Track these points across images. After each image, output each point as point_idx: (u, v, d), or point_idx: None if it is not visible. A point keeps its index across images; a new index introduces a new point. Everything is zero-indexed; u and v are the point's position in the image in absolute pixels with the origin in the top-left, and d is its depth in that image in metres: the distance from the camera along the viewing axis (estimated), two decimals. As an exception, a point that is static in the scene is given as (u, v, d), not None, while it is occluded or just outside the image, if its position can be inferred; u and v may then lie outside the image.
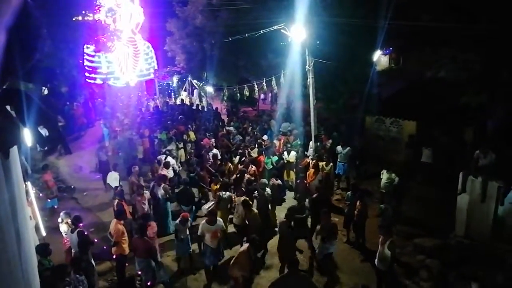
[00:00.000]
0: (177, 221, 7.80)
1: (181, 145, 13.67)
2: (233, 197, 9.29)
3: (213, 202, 9.44)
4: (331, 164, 11.32)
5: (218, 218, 7.57)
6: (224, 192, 9.08)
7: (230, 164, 11.62)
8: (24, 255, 2.44)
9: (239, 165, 11.27)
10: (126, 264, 7.76)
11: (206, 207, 9.52)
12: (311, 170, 10.85)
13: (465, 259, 7.98)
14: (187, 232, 7.90)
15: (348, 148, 12.08)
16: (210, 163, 11.73)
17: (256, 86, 17.26)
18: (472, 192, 8.60)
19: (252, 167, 10.93)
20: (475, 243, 8.46)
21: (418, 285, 7.58)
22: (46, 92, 20.08)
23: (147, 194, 9.28)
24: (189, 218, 8.00)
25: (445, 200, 9.37)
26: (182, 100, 23.69)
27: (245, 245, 6.82)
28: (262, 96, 23.96)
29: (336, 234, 7.93)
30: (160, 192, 9.44)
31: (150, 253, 7.05)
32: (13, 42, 1.90)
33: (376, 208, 10.60)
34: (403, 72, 17.28)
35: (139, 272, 7.96)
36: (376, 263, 7.12)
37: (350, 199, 9.20)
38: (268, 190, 9.30)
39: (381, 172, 10.57)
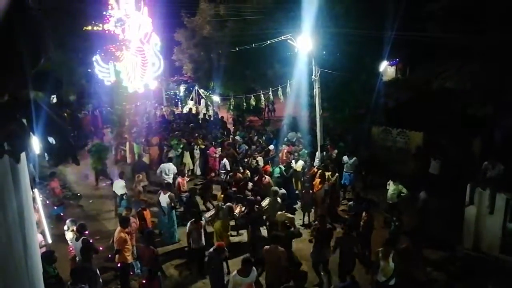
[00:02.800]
0: (211, 250, 6.95)
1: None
2: (234, 206, 9.31)
3: (214, 212, 9.44)
4: (337, 174, 11.27)
5: (253, 268, 6.31)
6: (223, 203, 9.05)
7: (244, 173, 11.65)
8: (30, 262, 2.46)
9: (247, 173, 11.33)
10: (131, 273, 7.76)
11: (207, 215, 9.55)
12: (317, 180, 10.80)
13: (472, 271, 7.87)
14: (223, 266, 7.18)
15: (354, 158, 12.03)
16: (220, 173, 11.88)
17: (262, 95, 17.34)
18: (480, 204, 8.51)
19: (265, 177, 10.90)
20: (483, 256, 8.34)
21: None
22: (54, 100, 20.36)
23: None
24: (225, 248, 7.08)
25: (453, 212, 9.26)
26: (190, 109, 23.84)
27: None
28: (270, 106, 24.06)
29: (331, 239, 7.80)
30: (166, 200, 9.46)
31: (155, 262, 7.04)
32: (21, 50, 1.93)
33: (382, 219, 10.52)
34: (409, 82, 17.24)
35: (144, 281, 7.96)
36: (378, 278, 6.76)
37: (354, 209, 9.11)
38: (278, 198, 9.28)
39: (388, 183, 10.48)
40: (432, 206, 9.94)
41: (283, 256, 6.74)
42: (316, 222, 8.68)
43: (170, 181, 11.50)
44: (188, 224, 8.03)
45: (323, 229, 7.82)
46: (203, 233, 8.14)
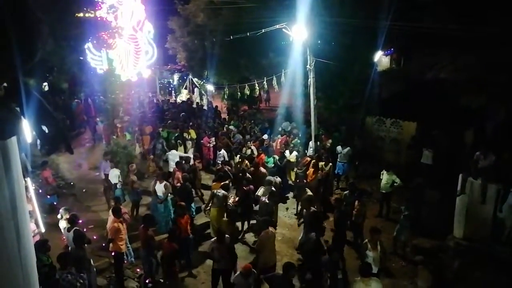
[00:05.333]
0: (238, 273, 6.23)
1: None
2: (229, 196, 9.33)
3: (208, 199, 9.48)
4: (330, 164, 11.33)
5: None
6: (219, 190, 9.05)
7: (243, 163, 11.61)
8: (23, 252, 2.44)
9: (245, 163, 11.32)
10: (125, 262, 7.79)
11: (204, 206, 9.61)
12: (311, 170, 10.86)
13: (463, 260, 8.01)
14: None
15: (348, 148, 12.10)
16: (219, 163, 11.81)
17: (256, 85, 17.27)
18: (472, 194, 8.61)
19: (262, 169, 10.88)
20: (473, 245, 8.48)
21: (416, 285, 7.60)
22: (46, 88, 20.07)
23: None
24: (253, 270, 6.20)
25: (445, 202, 9.37)
26: (188, 99, 23.68)
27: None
28: (264, 95, 23.97)
29: (318, 222, 7.88)
30: (162, 189, 9.46)
31: (149, 245, 7.15)
32: (13, 38, 1.89)
33: (375, 208, 10.63)
34: (404, 73, 17.28)
35: (138, 270, 8.01)
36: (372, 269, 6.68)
37: (348, 198, 9.20)
38: (273, 187, 9.32)
39: (381, 173, 10.57)
40: (425, 196, 10.06)
41: (274, 237, 7.33)
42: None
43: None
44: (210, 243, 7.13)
45: (308, 212, 8.06)
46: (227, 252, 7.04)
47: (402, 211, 8.78)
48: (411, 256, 8.53)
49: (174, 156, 11.83)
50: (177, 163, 10.95)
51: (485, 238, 8.39)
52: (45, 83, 19.60)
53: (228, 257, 6.87)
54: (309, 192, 9.33)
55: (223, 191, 9.03)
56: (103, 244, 8.22)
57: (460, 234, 8.83)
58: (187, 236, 8.10)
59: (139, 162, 13.57)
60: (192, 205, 9.80)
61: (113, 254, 7.38)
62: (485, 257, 7.94)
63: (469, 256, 8.16)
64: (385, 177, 10.30)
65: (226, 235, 7.04)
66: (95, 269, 7.24)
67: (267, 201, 8.86)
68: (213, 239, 7.06)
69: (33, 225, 7.35)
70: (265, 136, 14.19)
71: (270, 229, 7.35)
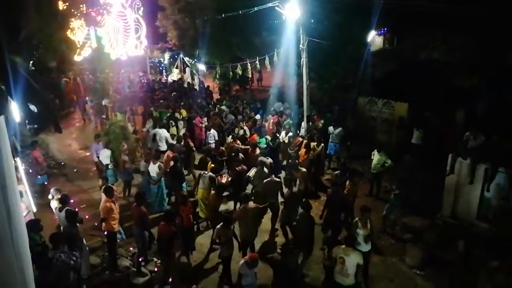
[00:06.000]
0: (243, 261, 5.89)
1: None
2: (219, 177, 9.34)
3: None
4: (322, 144, 11.37)
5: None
6: (206, 172, 8.98)
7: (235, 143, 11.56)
8: (15, 232, 2.43)
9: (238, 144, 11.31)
10: (118, 241, 7.83)
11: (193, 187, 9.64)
12: (303, 150, 10.90)
13: (450, 238, 8.22)
14: (255, 278, 6.05)
15: (339, 128, 12.14)
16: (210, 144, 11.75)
17: (249, 64, 17.07)
18: (460, 174, 8.76)
19: (252, 150, 10.78)
20: (460, 223, 8.69)
21: (404, 262, 7.80)
22: (33, 67, 19.57)
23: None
24: (258, 260, 5.92)
25: (434, 182, 9.52)
26: (179, 78, 23.35)
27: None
28: (256, 75, 23.75)
29: (298, 201, 8.03)
30: (155, 169, 9.44)
31: (143, 221, 7.20)
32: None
33: (365, 188, 10.77)
34: (397, 52, 17.22)
35: (131, 249, 8.07)
36: (363, 248, 6.69)
37: (339, 178, 9.28)
38: (265, 168, 9.34)
39: (372, 153, 10.66)
40: (415, 175, 10.21)
41: (254, 212, 7.33)
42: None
43: (163, 148, 11.45)
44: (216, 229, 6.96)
45: (289, 192, 8.28)
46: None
47: (393, 190, 8.89)
48: (401, 235, 8.72)
49: (162, 134, 11.81)
50: (169, 146, 10.94)
51: (472, 217, 8.60)
52: (32, 62, 19.14)
53: (232, 243, 6.89)
54: (303, 169, 9.39)
55: (210, 173, 8.96)
56: (96, 224, 8.24)
57: (448, 212, 9.03)
58: (190, 225, 7.92)
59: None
60: (184, 184, 9.79)
61: (106, 233, 7.40)
62: (469, 233, 8.15)
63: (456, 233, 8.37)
64: (376, 157, 10.39)
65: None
66: (87, 248, 7.29)
67: (277, 180, 8.88)
68: (219, 225, 6.77)
69: (24, 205, 7.32)
70: (258, 117, 14.15)
71: (250, 204, 7.39)
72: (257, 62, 16.11)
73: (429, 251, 7.75)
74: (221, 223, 6.72)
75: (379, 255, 8.05)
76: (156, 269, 7.48)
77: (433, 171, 9.94)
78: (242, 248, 7.25)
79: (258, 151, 10.83)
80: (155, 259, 7.74)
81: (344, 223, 8.33)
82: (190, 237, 7.90)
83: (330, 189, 8.76)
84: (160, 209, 9.55)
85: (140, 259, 7.47)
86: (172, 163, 9.65)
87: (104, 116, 15.96)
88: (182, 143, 11.37)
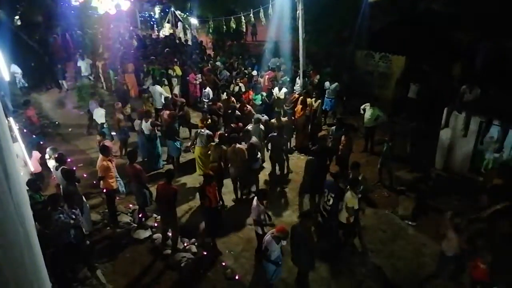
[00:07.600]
0: (269, 235, 5.49)
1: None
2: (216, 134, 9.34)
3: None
4: (319, 101, 11.27)
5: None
6: (203, 130, 8.98)
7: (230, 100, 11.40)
8: (14, 191, 2.44)
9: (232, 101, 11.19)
10: (117, 198, 7.97)
11: (189, 144, 9.66)
12: (299, 107, 10.82)
13: (442, 190, 8.44)
14: (280, 252, 5.57)
15: (335, 84, 11.98)
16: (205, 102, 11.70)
17: (243, 18, 16.48)
18: (455, 127, 8.82)
19: (247, 107, 10.71)
20: (452, 176, 8.88)
21: (397, 213, 8.05)
22: (19, 22, 18.81)
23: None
24: (288, 231, 5.48)
25: (429, 135, 9.59)
26: (171, 33, 22.62)
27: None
28: (250, 29, 23.01)
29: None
30: (148, 127, 9.41)
31: (139, 178, 7.27)
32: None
33: (361, 143, 10.84)
34: (395, 3, 16.62)
35: (130, 205, 8.24)
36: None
37: (335, 133, 9.32)
38: (261, 125, 9.33)
39: (362, 108, 10.55)
40: (409, 129, 10.25)
41: (242, 152, 7.95)
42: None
43: (159, 106, 11.40)
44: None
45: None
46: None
47: (386, 142, 8.94)
48: (395, 187, 8.92)
49: (155, 90, 11.72)
50: (164, 104, 10.85)
51: (464, 168, 8.78)
52: (17, 17, 18.37)
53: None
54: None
55: (207, 131, 8.96)
56: (94, 182, 8.33)
57: (441, 165, 9.21)
58: (216, 206, 6.97)
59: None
60: (177, 143, 9.68)
61: (104, 191, 7.51)
62: (461, 185, 8.36)
63: (448, 185, 8.59)
64: (369, 111, 10.30)
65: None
66: (88, 205, 7.42)
67: (285, 136, 9.27)
68: (255, 201, 6.29)
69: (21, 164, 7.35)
70: (254, 72, 13.89)
71: (238, 145, 7.97)
72: (251, 15, 15.53)
73: (420, 202, 7.98)
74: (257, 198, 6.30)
75: (372, 207, 8.26)
76: (155, 224, 7.68)
77: (428, 125, 9.98)
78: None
79: (249, 108, 10.80)
80: (154, 215, 7.92)
81: (339, 178, 8.47)
82: (219, 217, 7.10)
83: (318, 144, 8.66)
84: (157, 166, 9.67)
85: (140, 215, 7.64)
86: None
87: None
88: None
